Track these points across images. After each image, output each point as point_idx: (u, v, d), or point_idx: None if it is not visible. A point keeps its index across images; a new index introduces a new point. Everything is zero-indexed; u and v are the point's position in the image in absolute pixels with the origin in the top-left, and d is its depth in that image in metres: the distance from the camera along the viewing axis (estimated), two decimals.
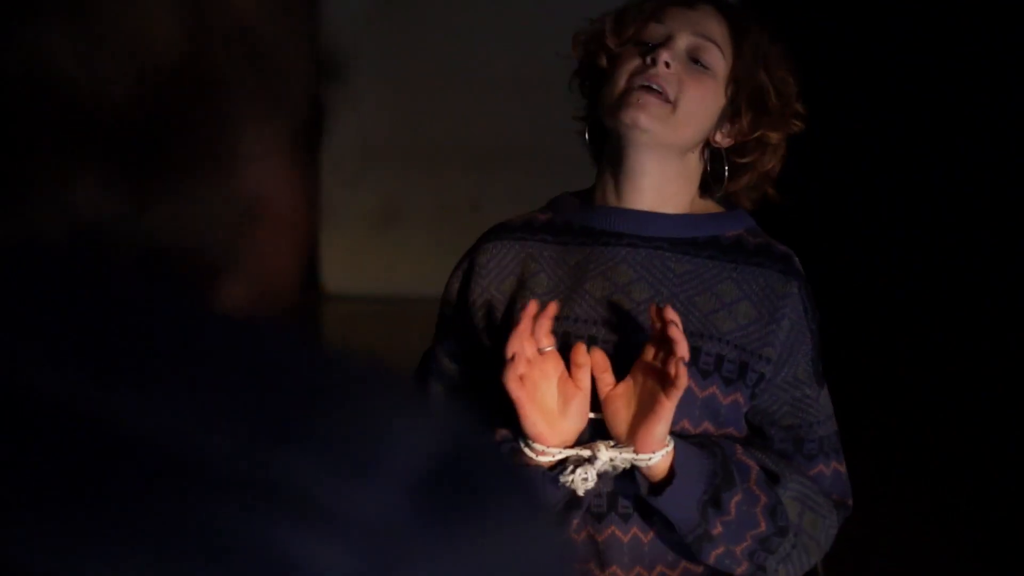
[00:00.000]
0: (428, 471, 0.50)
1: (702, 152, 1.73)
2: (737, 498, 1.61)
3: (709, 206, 1.78)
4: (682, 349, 1.54)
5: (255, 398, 0.50)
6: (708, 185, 1.78)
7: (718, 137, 1.72)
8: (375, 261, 6.22)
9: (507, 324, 1.71)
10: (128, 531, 0.47)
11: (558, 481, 1.56)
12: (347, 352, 0.53)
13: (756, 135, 1.71)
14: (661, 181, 1.71)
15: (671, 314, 1.57)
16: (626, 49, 1.70)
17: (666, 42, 1.67)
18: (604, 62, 1.73)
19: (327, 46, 0.59)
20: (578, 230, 1.74)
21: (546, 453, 1.58)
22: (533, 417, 1.57)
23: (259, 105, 0.55)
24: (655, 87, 1.64)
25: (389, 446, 0.50)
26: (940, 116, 6.00)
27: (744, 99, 1.69)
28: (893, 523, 4.06)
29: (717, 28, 1.69)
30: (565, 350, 1.63)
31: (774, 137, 1.74)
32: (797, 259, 1.74)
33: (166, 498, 0.47)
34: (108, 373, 0.49)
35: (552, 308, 1.60)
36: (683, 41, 1.68)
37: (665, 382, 1.54)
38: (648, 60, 1.66)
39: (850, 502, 1.75)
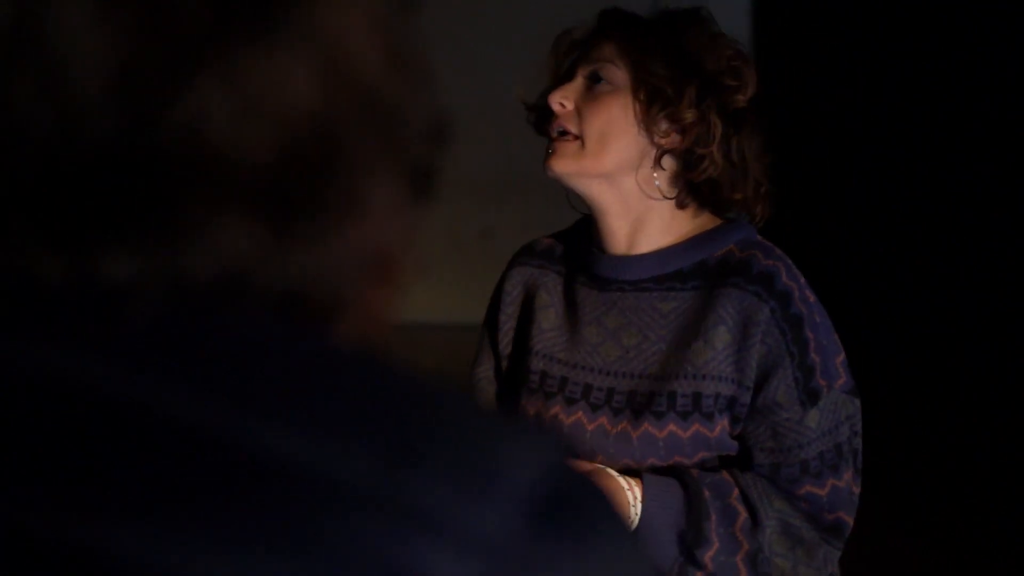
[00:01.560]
0: (539, 492, 0.55)
1: (659, 162, 1.74)
2: (711, 552, 1.64)
3: (703, 222, 1.79)
4: None
5: (382, 424, 0.55)
6: (702, 199, 1.79)
7: (661, 140, 1.73)
8: (407, 287, 6.25)
9: (519, 349, 1.84)
10: (272, 545, 0.51)
11: None
12: (451, 382, 0.59)
13: (683, 117, 1.71)
14: (622, 213, 1.76)
15: None
16: None
17: (559, 85, 1.76)
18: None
19: (437, 109, 0.64)
20: (582, 268, 1.82)
21: None
22: None
23: (380, 163, 0.60)
24: (562, 131, 1.73)
25: (504, 467, 0.55)
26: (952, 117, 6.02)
27: (647, 95, 1.72)
28: (907, 525, 4.06)
29: (609, 48, 1.75)
30: (563, 393, 1.76)
31: (689, 115, 1.72)
32: (784, 273, 1.72)
33: (308, 515, 0.52)
34: (251, 401, 0.54)
35: None
36: (581, 74, 1.76)
37: None
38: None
39: (849, 518, 1.74)
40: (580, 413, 1.76)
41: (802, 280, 1.74)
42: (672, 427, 1.70)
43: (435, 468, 0.53)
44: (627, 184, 1.74)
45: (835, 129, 6.07)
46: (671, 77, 1.71)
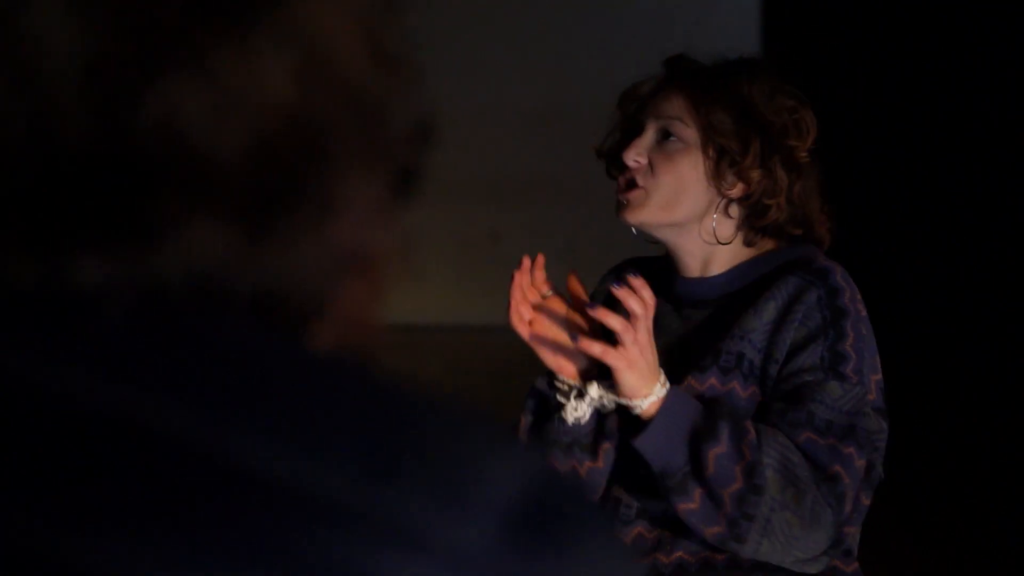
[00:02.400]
0: (517, 504, 0.53)
1: (726, 210, 1.88)
2: (717, 450, 1.71)
3: (770, 244, 1.93)
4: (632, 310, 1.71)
5: (360, 433, 0.54)
6: (768, 234, 1.93)
7: (727, 191, 1.87)
8: (394, 290, 6.25)
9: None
10: (246, 557, 0.50)
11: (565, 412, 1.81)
12: (435, 390, 0.57)
13: (749, 174, 1.85)
14: (694, 251, 1.90)
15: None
16: None
17: (632, 140, 1.88)
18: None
19: (423, 107, 0.62)
20: (663, 288, 1.93)
21: (563, 384, 1.81)
22: (545, 353, 1.81)
23: (361, 161, 0.59)
24: (631, 181, 1.87)
25: (482, 479, 0.54)
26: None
27: (716, 151, 1.86)
28: (907, 525, 4.05)
29: (678, 104, 1.88)
30: None
31: (756, 175, 1.85)
32: (839, 273, 1.84)
33: (282, 527, 0.51)
34: (225, 409, 0.53)
35: (541, 259, 1.82)
36: (652, 129, 1.89)
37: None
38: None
39: (848, 479, 1.74)
40: None
41: (858, 295, 1.85)
42: (712, 380, 1.81)
43: (412, 480, 0.52)
44: (696, 229, 1.88)
45: (843, 130, 6.07)
46: (737, 132, 1.85)
